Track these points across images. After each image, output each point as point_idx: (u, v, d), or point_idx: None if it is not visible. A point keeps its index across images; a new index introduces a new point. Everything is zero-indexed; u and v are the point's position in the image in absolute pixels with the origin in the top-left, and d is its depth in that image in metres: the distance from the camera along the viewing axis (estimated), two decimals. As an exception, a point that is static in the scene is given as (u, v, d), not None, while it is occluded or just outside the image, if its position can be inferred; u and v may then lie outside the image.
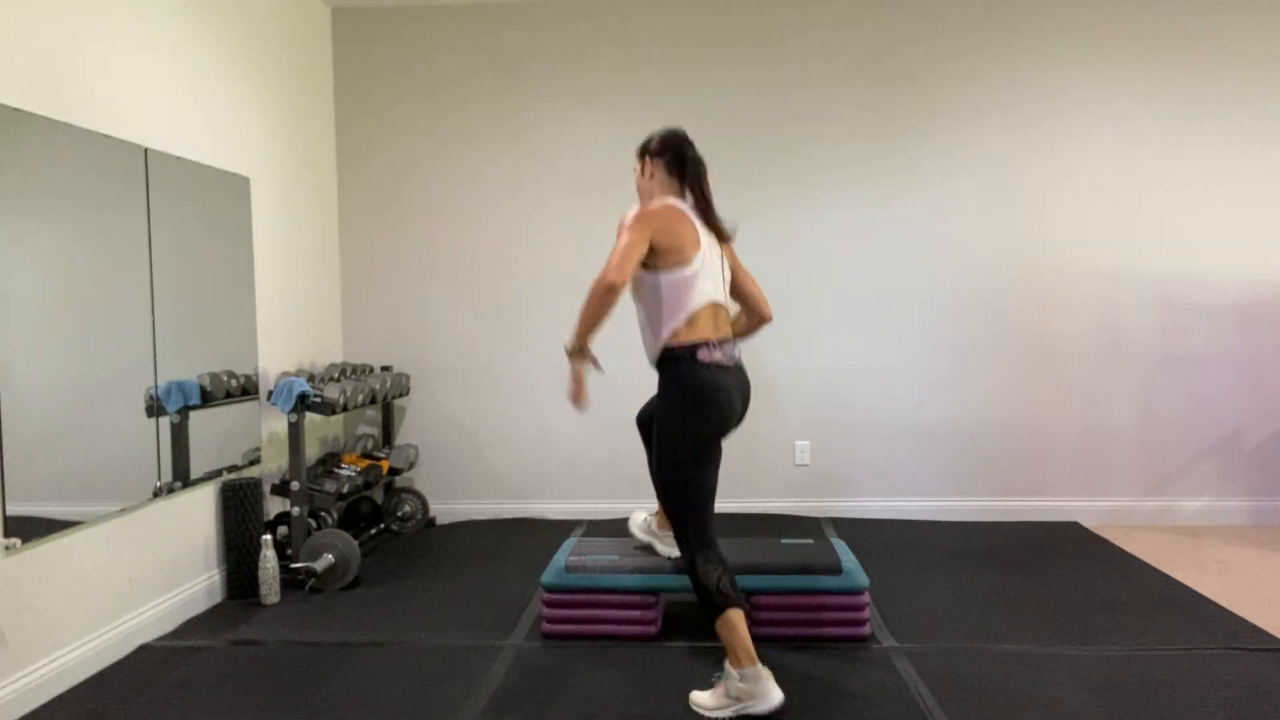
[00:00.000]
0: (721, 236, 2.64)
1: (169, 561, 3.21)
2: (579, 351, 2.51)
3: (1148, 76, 4.41)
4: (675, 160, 2.60)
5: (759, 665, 2.42)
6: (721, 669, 2.60)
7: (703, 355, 2.48)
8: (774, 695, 2.40)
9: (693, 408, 2.47)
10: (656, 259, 2.48)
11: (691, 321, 2.50)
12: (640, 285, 2.55)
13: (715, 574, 2.45)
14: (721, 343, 2.53)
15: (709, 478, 2.51)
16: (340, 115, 4.68)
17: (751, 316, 2.80)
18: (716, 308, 2.56)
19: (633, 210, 2.51)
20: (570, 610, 3.02)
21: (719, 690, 2.48)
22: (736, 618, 2.43)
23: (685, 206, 2.60)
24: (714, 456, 2.52)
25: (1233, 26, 4.37)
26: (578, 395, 2.55)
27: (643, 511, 3.20)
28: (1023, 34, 4.45)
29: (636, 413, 2.56)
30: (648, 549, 3.11)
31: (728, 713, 2.45)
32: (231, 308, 3.58)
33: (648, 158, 2.63)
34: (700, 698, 2.51)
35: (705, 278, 2.53)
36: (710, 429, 2.48)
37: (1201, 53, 4.39)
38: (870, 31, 4.49)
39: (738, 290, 2.76)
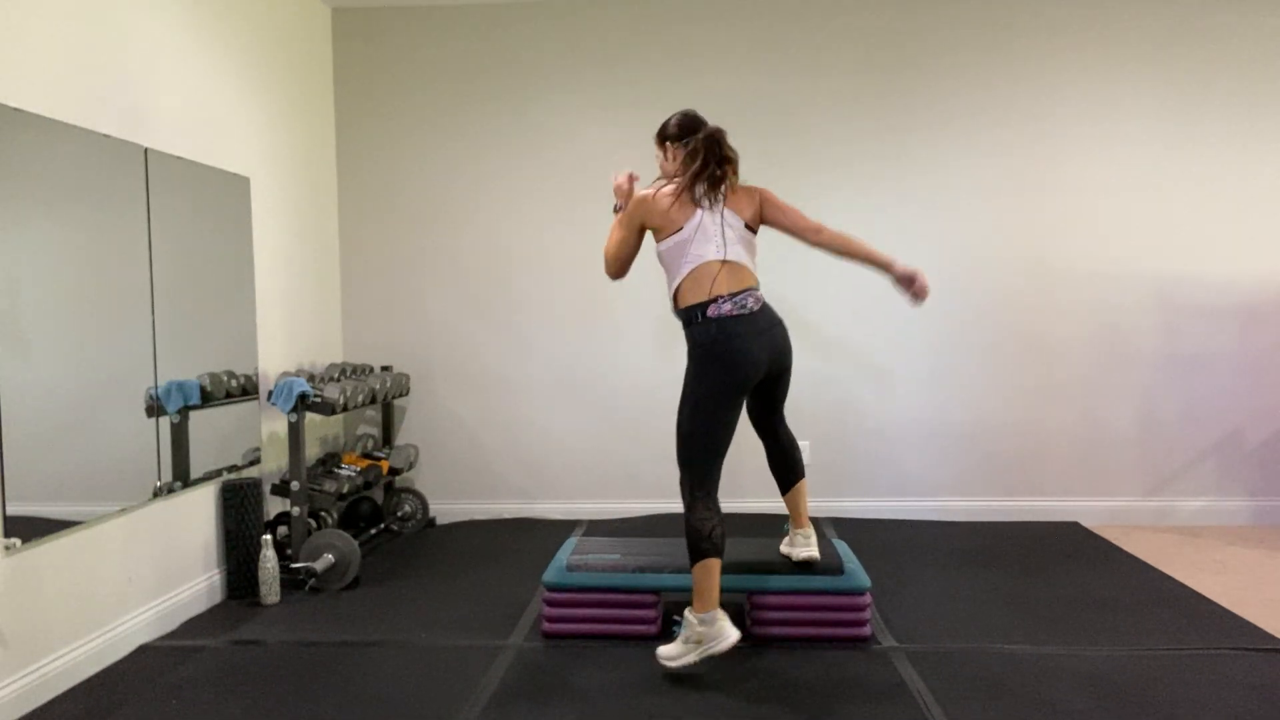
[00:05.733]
0: (733, 194, 2.75)
1: (169, 561, 3.21)
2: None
3: (1148, 76, 4.41)
4: (691, 148, 2.74)
5: (718, 609, 2.61)
6: (682, 620, 2.70)
7: (711, 311, 2.63)
8: (731, 633, 2.59)
9: (709, 362, 2.61)
10: (656, 234, 2.76)
11: (694, 279, 2.66)
12: (659, 257, 2.78)
13: (712, 522, 2.60)
14: (732, 295, 2.64)
15: (722, 430, 2.63)
16: (340, 115, 4.68)
17: (809, 240, 2.76)
18: (726, 265, 2.67)
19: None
20: (571, 610, 3.02)
21: (680, 639, 2.66)
22: (715, 566, 2.61)
23: (683, 185, 2.71)
24: (732, 407, 2.63)
25: (1234, 26, 4.37)
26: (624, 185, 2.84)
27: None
28: (1022, 34, 4.45)
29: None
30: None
31: (692, 657, 2.62)
32: (231, 308, 3.58)
33: (668, 143, 2.83)
34: (665, 651, 2.66)
35: (701, 241, 2.67)
36: (725, 381, 2.60)
37: (1202, 52, 4.39)
38: (870, 32, 4.49)
39: (781, 229, 2.80)
